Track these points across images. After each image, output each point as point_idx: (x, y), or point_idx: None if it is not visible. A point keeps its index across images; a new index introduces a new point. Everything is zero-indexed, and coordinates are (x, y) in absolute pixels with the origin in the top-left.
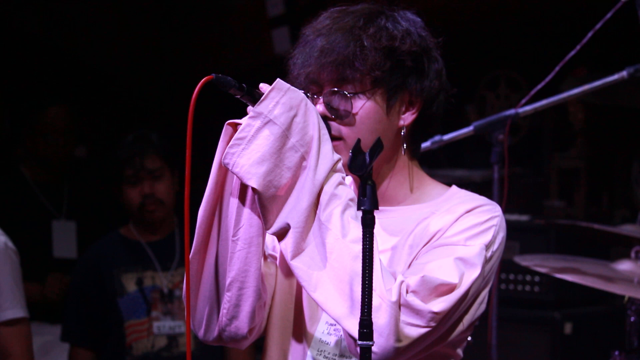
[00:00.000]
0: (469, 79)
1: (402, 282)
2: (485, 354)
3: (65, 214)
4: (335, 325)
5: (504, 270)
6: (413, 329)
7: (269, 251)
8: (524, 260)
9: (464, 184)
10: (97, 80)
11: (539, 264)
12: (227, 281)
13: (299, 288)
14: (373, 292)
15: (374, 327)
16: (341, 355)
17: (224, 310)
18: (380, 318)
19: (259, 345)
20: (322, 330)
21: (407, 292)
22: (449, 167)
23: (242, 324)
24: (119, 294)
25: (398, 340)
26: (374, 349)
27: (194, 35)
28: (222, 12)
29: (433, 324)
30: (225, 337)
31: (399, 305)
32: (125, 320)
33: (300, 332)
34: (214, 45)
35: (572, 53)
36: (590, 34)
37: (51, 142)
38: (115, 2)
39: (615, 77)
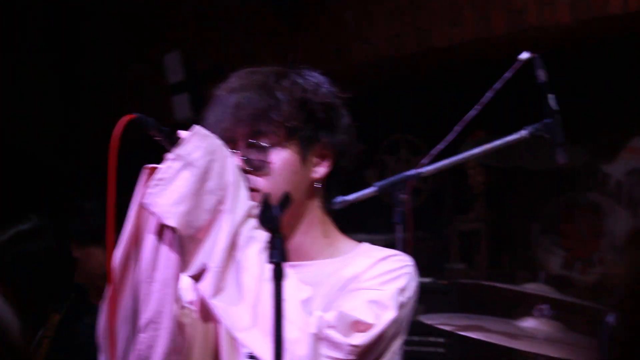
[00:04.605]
0: (368, 143)
1: (320, 316)
2: None
3: None
4: None
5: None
6: None
7: (184, 303)
8: (429, 319)
9: None
10: None
11: (443, 322)
12: (142, 322)
13: (215, 337)
14: (291, 325)
15: (294, 359)
16: None
17: (137, 352)
18: (300, 349)
19: None
20: None
21: (325, 327)
22: (352, 231)
23: None
24: None
25: None
26: None
27: (93, 103)
28: (121, 79)
29: (352, 357)
30: None
31: (318, 338)
32: None
33: None
34: (113, 113)
35: (472, 113)
36: (489, 94)
37: None
38: (15, 70)
39: (516, 136)
